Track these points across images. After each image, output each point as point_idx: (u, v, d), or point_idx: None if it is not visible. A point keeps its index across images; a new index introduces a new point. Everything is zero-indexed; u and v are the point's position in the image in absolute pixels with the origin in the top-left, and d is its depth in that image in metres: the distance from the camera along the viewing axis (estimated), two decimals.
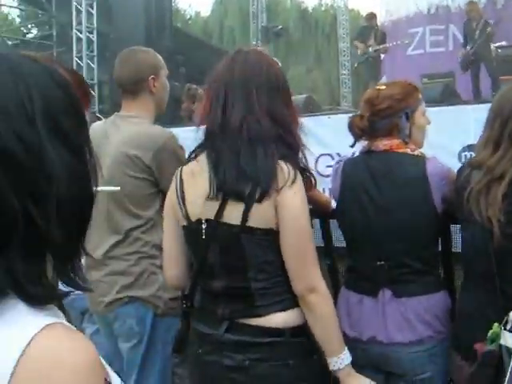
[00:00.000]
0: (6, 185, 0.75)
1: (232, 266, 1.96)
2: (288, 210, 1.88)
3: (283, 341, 1.92)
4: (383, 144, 2.35)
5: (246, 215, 1.88)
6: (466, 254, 2.23)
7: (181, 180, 2.05)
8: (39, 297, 0.78)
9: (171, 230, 2.11)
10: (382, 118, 2.35)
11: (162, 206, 2.55)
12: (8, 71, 0.80)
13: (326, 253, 2.59)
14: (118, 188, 2.13)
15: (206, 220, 1.95)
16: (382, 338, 2.26)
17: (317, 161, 6.02)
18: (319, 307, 1.91)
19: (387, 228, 2.27)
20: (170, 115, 7.99)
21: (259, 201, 1.86)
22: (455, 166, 2.40)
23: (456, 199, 2.19)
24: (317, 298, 1.90)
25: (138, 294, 2.56)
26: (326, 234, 2.75)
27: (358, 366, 2.01)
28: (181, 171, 2.07)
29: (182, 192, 2.03)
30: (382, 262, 2.28)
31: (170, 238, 2.12)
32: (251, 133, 1.89)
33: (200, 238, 1.98)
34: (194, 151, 2.06)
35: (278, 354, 1.92)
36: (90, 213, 0.87)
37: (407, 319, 2.23)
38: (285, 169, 1.89)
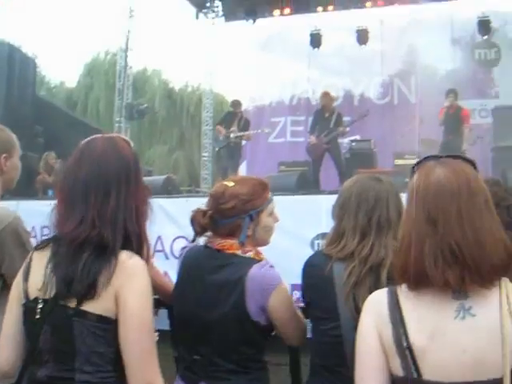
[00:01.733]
0: None
1: (60, 352, 1.80)
2: (128, 302, 1.77)
3: None
4: (217, 243, 2.34)
5: (82, 298, 1.77)
6: (320, 349, 2.24)
7: (31, 258, 1.94)
8: None
9: (12, 311, 1.93)
10: (225, 218, 2.33)
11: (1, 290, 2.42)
12: None
13: (173, 343, 2.47)
14: None
15: (44, 299, 1.82)
16: None
17: (173, 243, 6.00)
18: None
19: (203, 326, 2.27)
20: (25, 187, 7.70)
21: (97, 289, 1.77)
22: (308, 253, 2.44)
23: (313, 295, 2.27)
24: None
25: None
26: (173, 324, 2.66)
27: None
28: (34, 250, 1.97)
29: (28, 269, 1.92)
30: (198, 357, 2.28)
31: (10, 319, 1.94)
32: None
33: (34, 318, 1.82)
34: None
35: None
36: None
37: None
38: (126, 260, 1.81)
